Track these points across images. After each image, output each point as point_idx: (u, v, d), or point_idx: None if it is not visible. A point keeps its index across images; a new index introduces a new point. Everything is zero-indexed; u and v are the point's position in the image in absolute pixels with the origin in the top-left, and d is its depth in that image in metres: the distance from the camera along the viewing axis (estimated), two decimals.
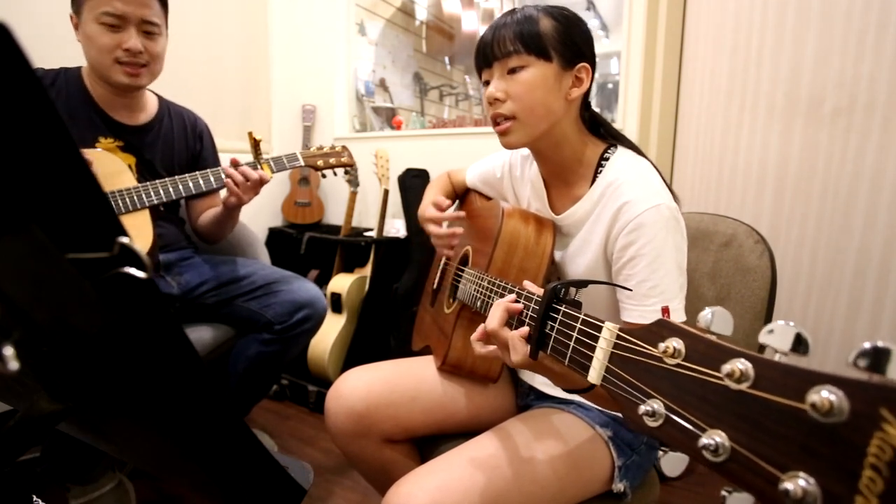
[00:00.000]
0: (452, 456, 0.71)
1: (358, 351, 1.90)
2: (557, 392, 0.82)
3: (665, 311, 0.65)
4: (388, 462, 0.84)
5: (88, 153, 1.12)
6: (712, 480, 1.42)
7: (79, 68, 1.18)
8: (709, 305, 0.33)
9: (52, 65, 1.17)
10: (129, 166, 1.20)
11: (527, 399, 0.88)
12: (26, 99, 0.22)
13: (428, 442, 0.87)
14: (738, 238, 0.84)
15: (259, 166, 1.18)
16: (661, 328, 0.34)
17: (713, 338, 0.31)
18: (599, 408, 0.78)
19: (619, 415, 0.77)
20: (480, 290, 0.75)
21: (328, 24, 2.40)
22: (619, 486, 0.74)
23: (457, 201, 1.14)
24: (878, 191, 1.02)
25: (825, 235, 1.12)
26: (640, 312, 0.66)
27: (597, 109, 0.84)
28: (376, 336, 1.91)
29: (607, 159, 0.77)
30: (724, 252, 0.85)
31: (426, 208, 0.97)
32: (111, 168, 1.12)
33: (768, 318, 0.78)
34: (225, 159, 1.22)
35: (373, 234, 2.03)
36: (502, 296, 0.66)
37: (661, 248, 0.66)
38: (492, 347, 0.62)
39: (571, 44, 0.73)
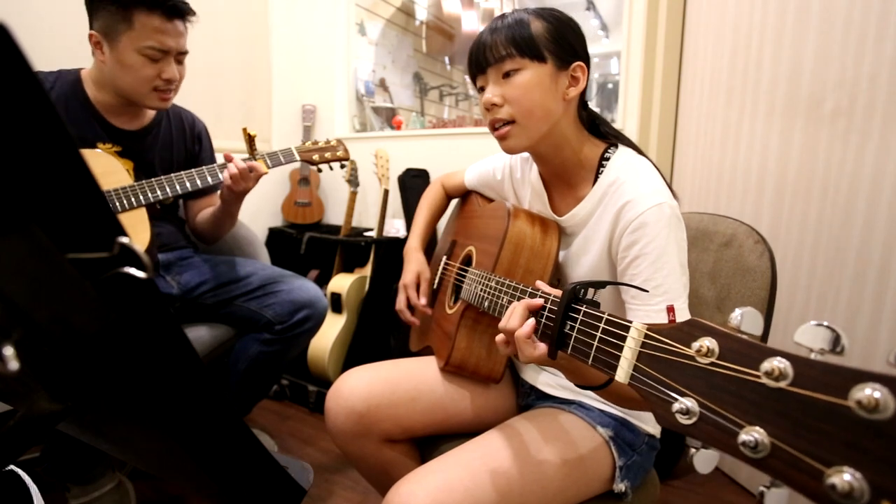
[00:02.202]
0: (454, 455, 0.71)
1: (358, 351, 1.90)
2: (559, 392, 0.83)
3: (670, 310, 0.65)
4: (389, 462, 0.84)
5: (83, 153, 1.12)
6: (713, 481, 1.42)
7: (77, 72, 1.17)
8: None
9: (53, 66, 1.17)
10: (128, 171, 1.20)
11: (528, 399, 0.88)
12: (26, 99, 0.22)
13: (428, 442, 0.87)
14: (738, 238, 0.84)
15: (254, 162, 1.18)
16: (693, 327, 0.35)
17: (745, 337, 0.32)
18: (601, 408, 0.78)
19: (622, 415, 0.77)
20: (488, 290, 0.75)
21: (328, 24, 2.40)
22: (619, 486, 0.74)
23: (454, 202, 1.15)
24: (878, 191, 1.02)
25: (825, 235, 1.12)
26: (646, 312, 0.66)
27: (596, 109, 0.84)
28: (376, 336, 1.91)
29: (608, 159, 0.77)
30: (724, 252, 0.85)
31: (411, 285, 0.99)
32: (106, 167, 1.12)
33: (768, 319, 0.78)
34: (221, 158, 1.22)
35: (373, 233, 2.03)
36: (512, 296, 0.66)
37: (664, 246, 0.66)
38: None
39: (565, 43, 0.73)
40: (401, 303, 1.00)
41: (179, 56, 1.16)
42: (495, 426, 0.76)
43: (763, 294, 0.78)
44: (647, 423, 0.79)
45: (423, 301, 0.98)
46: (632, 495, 0.75)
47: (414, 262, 1.02)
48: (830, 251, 1.11)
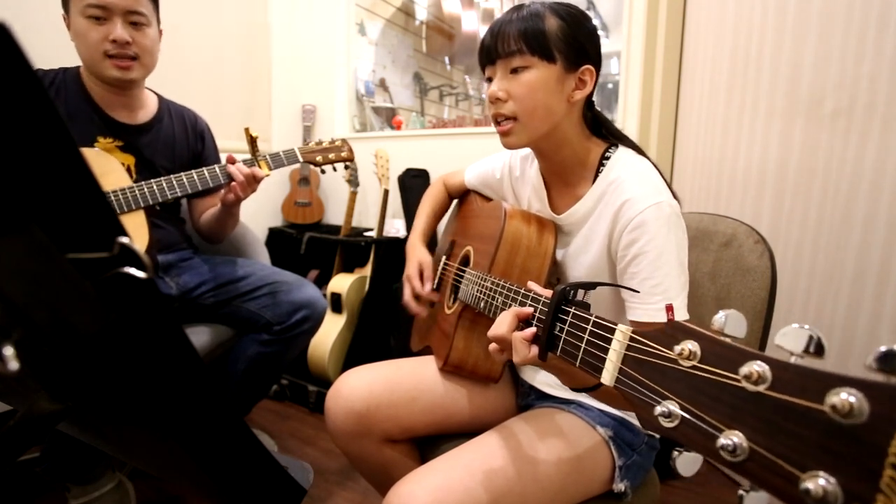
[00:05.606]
0: (454, 455, 0.71)
1: (358, 351, 1.90)
2: (558, 392, 0.82)
3: (669, 308, 0.65)
4: (389, 462, 0.84)
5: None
6: (713, 481, 1.42)
7: (78, 68, 1.18)
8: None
9: (54, 65, 1.17)
10: (129, 166, 1.20)
11: (527, 399, 0.88)
12: (26, 98, 0.22)
13: (428, 442, 0.87)
14: (738, 238, 0.84)
15: (256, 163, 1.18)
16: (676, 330, 0.35)
17: (728, 340, 0.31)
18: (600, 408, 0.78)
19: (621, 414, 0.77)
20: (483, 290, 0.75)
21: (328, 24, 2.40)
22: (619, 486, 0.74)
23: (455, 202, 1.15)
24: (878, 191, 1.02)
25: (825, 235, 1.12)
26: (645, 311, 0.66)
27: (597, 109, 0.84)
28: (376, 336, 1.91)
29: (608, 158, 0.77)
30: (724, 252, 0.85)
31: (414, 275, 0.99)
32: (104, 168, 1.11)
33: (768, 319, 0.78)
34: (224, 158, 1.22)
35: (373, 233, 2.03)
36: (506, 296, 0.66)
37: (664, 245, 0.66)
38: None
39: (576, 45, 0.72)
40: (407, 295, 0.99)
41: (132, 17, 1.09)
42: (495, 426, 0.76)
43: (763, 294, 0.78)
44: None
45: (427, 287, 0.98)
46: (632, 495, 0.75)
47: (415, 254, 1.02)
48: (830, 251, 1.11)
